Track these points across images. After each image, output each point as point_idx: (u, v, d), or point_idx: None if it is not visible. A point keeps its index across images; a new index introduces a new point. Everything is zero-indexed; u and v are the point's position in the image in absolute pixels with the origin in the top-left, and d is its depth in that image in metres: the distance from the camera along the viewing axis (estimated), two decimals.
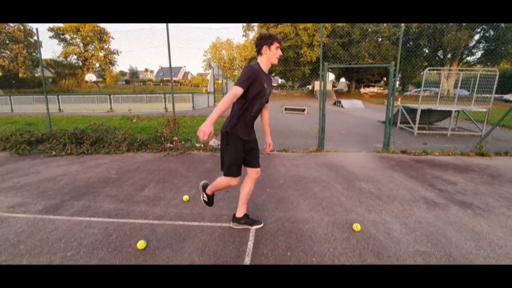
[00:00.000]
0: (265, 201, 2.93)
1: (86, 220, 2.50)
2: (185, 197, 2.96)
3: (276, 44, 2.03)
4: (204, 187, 2.45)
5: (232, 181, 2.14)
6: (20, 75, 27.70)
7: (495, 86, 7.21)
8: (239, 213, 2.37)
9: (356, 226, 2.30)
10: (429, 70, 7.38)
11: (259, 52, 2.06)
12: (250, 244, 2.09)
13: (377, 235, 2.23)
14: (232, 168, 2.10)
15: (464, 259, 1.94)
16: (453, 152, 5.17)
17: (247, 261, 1.89)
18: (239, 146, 2.07)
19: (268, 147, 2.36)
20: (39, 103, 14.77)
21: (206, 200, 2.45)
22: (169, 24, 5.52)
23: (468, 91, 8.32)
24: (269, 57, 2.05)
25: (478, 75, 7.75)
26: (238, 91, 1.90)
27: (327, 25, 25.61)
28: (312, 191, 3.23)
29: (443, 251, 2.02)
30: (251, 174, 2.23)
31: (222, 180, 2.20)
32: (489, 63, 23.96)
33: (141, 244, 2.03)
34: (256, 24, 32.28)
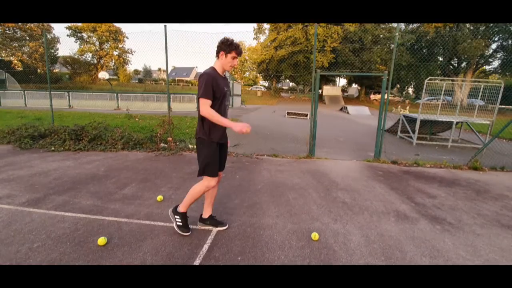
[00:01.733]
0: (236, 206, 2.99)
1: (60, 215, 2.64)
2: (159, 197, 3.05)
3: (233, 54, 2.06)
4: (175, 211, 2.35)
5: (211, 181, 2.18)
6: (39, 71, 28.95)
7: (499, 97, 7.02)
8: (205, 214, 2.46)
9: (314, 235, 2.32)
10: (430, 80, 7.25)
11: (217, 54, 2.11)
12: (205, 247, 2.16)
13: (333, 245, 2.25)
14: (211, 167, 2.14)
15: None
16: (445, 164, 5.06)
17: (196, 263, 1.96)
18: (215, 148, 2.15)
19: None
20: (53, 98, 15.34)
21: (181, 223, 2.30)
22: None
23: (484, 100, 8.10)
24: (223, 63, 2.10)
25: (483, 86, 7.56)
26: (208, 103, 1.99)
27: (339, 31, 25.48)
28: (286, 198, 3.26)
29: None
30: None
31: (198, 186, 2.22)
32: (507, 73, 23.11)
33: (101, 240, 2.14)
34: (267, 27, 32.46)
